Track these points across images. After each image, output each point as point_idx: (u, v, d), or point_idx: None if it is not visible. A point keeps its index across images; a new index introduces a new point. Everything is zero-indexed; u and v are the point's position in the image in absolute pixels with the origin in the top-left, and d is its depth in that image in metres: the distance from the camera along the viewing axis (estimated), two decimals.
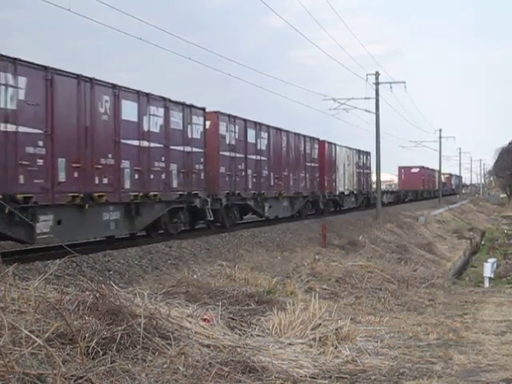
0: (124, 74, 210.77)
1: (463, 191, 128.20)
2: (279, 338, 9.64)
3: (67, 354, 6.93)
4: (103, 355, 7.11)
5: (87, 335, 7.29)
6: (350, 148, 45.88)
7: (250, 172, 28.29)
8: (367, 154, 51.53)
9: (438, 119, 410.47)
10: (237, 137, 27.00)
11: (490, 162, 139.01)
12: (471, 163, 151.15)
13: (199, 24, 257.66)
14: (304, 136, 36.35)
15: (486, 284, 24.60)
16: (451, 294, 18.06)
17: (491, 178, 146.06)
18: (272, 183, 30.91)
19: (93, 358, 7.00)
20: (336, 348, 9.35)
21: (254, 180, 28.73)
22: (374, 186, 61.49)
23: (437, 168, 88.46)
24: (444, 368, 8.86)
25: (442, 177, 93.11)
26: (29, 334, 6.66)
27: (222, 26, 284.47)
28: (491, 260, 27.46)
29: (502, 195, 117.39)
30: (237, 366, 7.66)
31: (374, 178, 65.94)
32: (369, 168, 52.56)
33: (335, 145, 42.10)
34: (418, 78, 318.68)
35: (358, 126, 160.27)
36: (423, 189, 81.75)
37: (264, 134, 30.13)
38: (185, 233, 23.19)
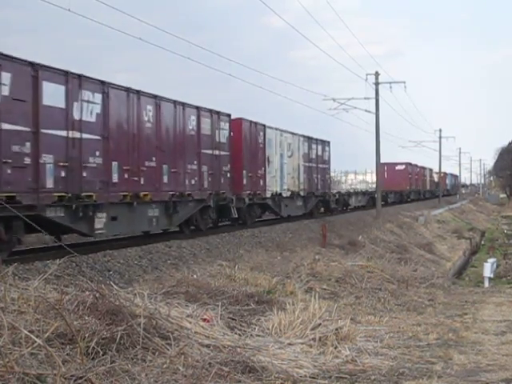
0: (124, 74, 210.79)
1: (463, 191, 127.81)
2: (279, 338, 9.65)
3: (67, 354, 6.93)
4: (103, 355, 7.11)
5: (87, 335, 7.29)
6: (293, 133, 33.99)
7: (49, 159, 15.94)
8: (324, 143, 39.59)
9: (438, 119, 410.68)
10: (5, 93, 14.64)
11: (489, 162, 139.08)
12: (471, 163, 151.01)
13: (199, 24, 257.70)
14: (198, 108, 23.51)
15: (486, 284, 24.62)
16: (451, 294, 18.07)
17: (491, 178, 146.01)
18: (116, 179, 18.56)
19: (93, 358, 7.01)
20: (336, 348, 9.36)
21: (64, 174, 16.49)
22: (345, 186, 59.32)
23: (428, 166, 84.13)
24: (444, 368, 8.86)
25: (435, 176, 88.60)
26: (29, 334, 6.66)
27: (222, 25, 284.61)
28: (491, 260, 27.49)
29: (502, 195, 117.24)
30: (237, 366, 7.66)
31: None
32: (326, 162, 40.22)
33: (264, 126, 29.79)
34: (417, 78, 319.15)
35: (357, 126, 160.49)
36: (410, 189, 70.41)
37: (94, 96, 17.75)
38: (184, 233, 23.18)
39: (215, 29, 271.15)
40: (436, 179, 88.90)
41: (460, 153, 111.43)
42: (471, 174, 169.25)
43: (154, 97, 20.72)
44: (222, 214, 26.38)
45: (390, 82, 44.17)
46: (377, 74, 43.28)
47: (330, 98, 43.17)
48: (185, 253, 19.04)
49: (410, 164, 70.95)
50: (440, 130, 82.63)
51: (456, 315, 13.89)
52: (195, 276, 14.76)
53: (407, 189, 68.78)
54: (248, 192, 27.74)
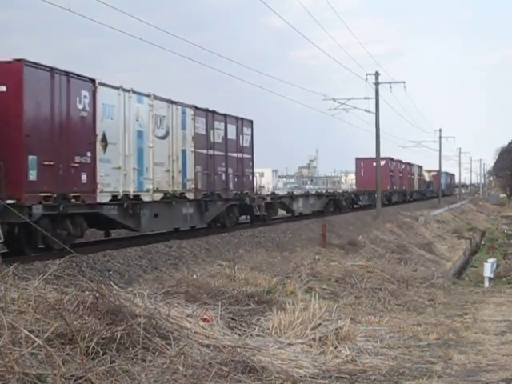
0: (124, 73, 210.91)
1: (463, 191, 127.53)
2: (279, 338, 9.65)
3: (67, 354, 6.93)
4: (103, 355, 7.11)
5: (87, 335, 7.29)
6: (171, 101, 22.09)
7: None
8: (240, 122, 27.32)
9: (438, 119, 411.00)
10: None
11: (490, 162, 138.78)
12: (471, 163, 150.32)
13: (199, 24, 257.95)
14: None
15: (486, 284, 24.62)
16: (451, 294, 18.07)
17: (491, 178, 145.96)
18: None
19: (93, 358, 7.01)
20: (336, 348, 9.36)
21: None
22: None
23: (417, 164, 75.35)
24: (444, 368, 8.86)
25: (427, 174, 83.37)
26: (29, 334, 6.66)
27: (222, 25, 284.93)
28: (491, 260, 27.49)
29: (502, 195, 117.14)
30: (237, 366, 7.66)
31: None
32: (246, 150, 27.96)
33: (93, 82, 17.82)
34: (417, 77, 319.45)
35: (358, 126, 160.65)
36: (391, 189, 59.59)
37: None
38: (185, 232, 23.18)
39: (215, 29, 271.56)
40: (427, 178, 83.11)
41: (460, 153, 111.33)
42: (471, 174, 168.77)
43: None
44: None
45: (390, 82, 44.28)
46: (377, 74, 43.28)
47: (330, 98, 43.29)
48: (185, 253, 19.04)
49: (392, 160, 60.38)
50: (440, 130, 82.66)
51: (456, 315, 13.89)
52: (195, 276, 14.76)
53: (387, 189, 57.17)
54: (42, 194, 15.96)
